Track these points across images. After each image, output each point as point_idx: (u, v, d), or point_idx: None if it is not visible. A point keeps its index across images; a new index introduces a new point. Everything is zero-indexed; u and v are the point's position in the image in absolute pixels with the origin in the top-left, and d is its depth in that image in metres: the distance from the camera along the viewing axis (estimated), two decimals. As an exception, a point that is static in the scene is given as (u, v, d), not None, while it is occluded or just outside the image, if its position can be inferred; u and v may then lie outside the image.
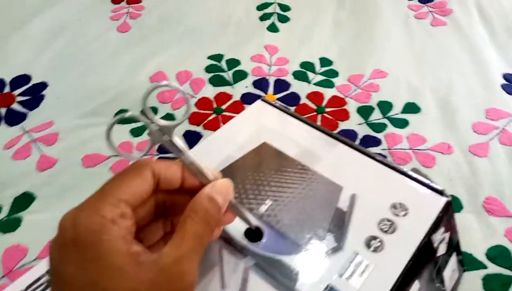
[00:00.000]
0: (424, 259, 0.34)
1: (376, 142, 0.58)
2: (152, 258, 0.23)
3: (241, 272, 0.32)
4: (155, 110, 0.64)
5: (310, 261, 0.32)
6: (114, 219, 0.23)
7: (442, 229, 0.37)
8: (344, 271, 0.32)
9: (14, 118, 0.64)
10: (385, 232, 0.34)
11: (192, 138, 0.59)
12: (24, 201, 0.52)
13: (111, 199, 0.23)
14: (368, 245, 0.33)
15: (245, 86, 0.68)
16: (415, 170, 0.39)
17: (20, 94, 0.68)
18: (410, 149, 0.56)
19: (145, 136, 0.60)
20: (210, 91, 0.67)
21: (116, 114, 0.64)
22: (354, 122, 0.61)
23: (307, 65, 0.72)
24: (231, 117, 0.53)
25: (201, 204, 0.26)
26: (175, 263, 0.23)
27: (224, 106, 0.65)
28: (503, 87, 0.65)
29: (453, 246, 0.41)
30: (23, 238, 0.48)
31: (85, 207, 0.23)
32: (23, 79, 0.71)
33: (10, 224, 0.50)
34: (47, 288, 0.32)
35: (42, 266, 0.33)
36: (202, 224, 0.25)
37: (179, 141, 0.27)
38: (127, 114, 0.26)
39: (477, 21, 0.80)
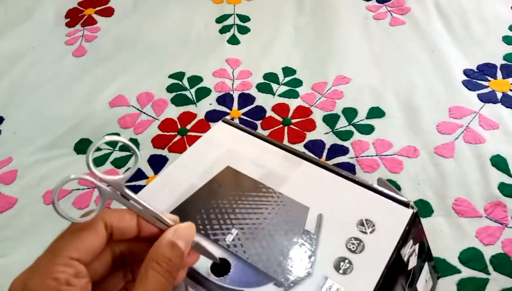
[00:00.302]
0: (394, 275, 0.34)
1: (344, 151, 0.57)
2: None
3: (209, 311, 0.30)
4: (116, 136, 0.62)
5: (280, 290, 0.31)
6: (68, 280, 0.22)
7: (410, 242, 0.36)
8: (314, 298, 0.31)
9: (-32, 158, 0.61)
10: (353, 251, 0.34)
11: (157, 163, 0.58)
12: (-18, 247, 0.49)
13: (62, 258, 0.22)
14: (337, 267, 0.33)
15: (209, 103, 0.67)
16: (380, 181, 0.39)
17: (-25, 131, 0.65)
18: (377, 155, 0.56)
19: (108, 165, 0.58)
20: (173, 112, 0.66)
21: (77, 144, 0.61)
22: (321, 132, 0.61)
23: (271, 76, 0.71)
24: (197, 137, 0.52)
25: (162, 253, 0.25)
26: None
27: (188, 126, 0.63)
28: (464, 83, 0.66)
29: (424, 253, 0.41)
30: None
31: (36, 270, 0.22)
32: (-23, 114, 0.68)
33: (-31, 274, 0.47)
34: None
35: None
36: (165, 274, 0.24)
37: (132, 193, 0.26)
38: (72, 176, 0.25)
39: (435, 18, 0.81)
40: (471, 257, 0.45)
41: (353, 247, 0.34)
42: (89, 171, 0.25)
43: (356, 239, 0.35)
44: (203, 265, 0.33)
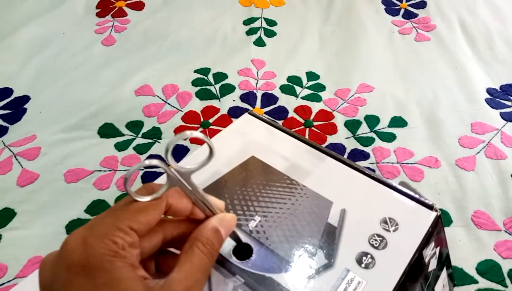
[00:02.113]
0: (415, 274, 0.34)
1: (364, 156, 0.58)
2: (160, 284, 0.23)
3: (230, 291, 0.31)
4: (141, 124, 0.63)
5: (301, 278, 0.31)
6: (124, 247, 0.23)
7: (432, 244, 0.36)
8: (336, 289, 0.31)
9: (-6, 132, 0.62)
10: (376, 247, 0.34)
11: (178, 152, 0.58)
12: (3, 217, 0.50)
13: (123, 226, 0.23)
14: (359, 261, 0.33)
15: (232, 100, 0.68)
16: (403, 184, 0.39)
17: (1, 108, 0.66)
18: (398, 163, 0.56)
19: (130, 151, 0.59)
20: (197, 105, 0.67)
21: (101, 128, 0.62)
22: (342, 136, 0.61)
23: (294, 79, 0.72)
24: (218, 131, 0.53)
25: (207, 235, 0.27)
26: None
27: (211, 120, 0.64)
28: (487, 101, 0.66)
29: (443, 260, 0.40)
30: (2, 256, 0.46)
31: (96, 228, 0.23)
32: (5, 92, 0.69)
33: (-12, 242, 0.48)
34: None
35: (23, 287, 0.31)
36: (208, 255, 0.26)
37: (195, 183, 0.28)
38: (147, 162, 0.26)
39: (460, 37, 0.82)
40: (488, 268, 0.44)
41: (376, 243, 0.34)
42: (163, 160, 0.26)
43: (379, 235, 0.35)
44: (225, 247, 0.33)
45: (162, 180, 0.33)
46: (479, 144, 0.59)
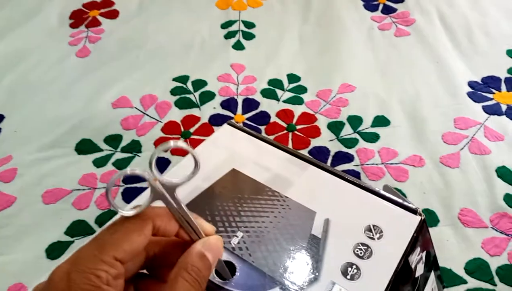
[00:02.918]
0: (402, 281, 0.33)
1: (349, 158, 0.57)
2: None
3: (213, 315, 0.30)
4: (119, 138, 0.62)
5: (286, 296, 0.31)
6: (108, 280, 0.22)
7: (418, 249, 0.36)
8: (322, 304, 0.30)
9: (-33, 155, 0.60)
10: (361, 257, 0.33)
11: (160, 165, 0.57)
12: (-21, 245, 0.48)
13: (108, 257, 0.22)
14: (344, 273, 0.32)
15: (213, 107, 0.66)
16: (387, 188, 0.39)
17: (-26, 128, 0.64)
18: (382, 164, 0.56)
19: (109, 166, 0.57)
20: (176, 115, 0.65)
21: (78, 144, 0.61)
22: (325, 139, 0.60)
23: (275, 83, 0.71)
24: (200, 140, 0.52)
25: (192, 262, 0.26)
26: None
27: (192, 129, 0.63)
28: (469, 95, 0.66)
29: (431, 262, 0.40)
30: (-21, 287, 0.44)
31: (79, 262, 0.22)
32: (-23, 112, 0.67)
33: (-36, 273, 0.46)
34: None
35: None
36: (194, 283, 0.25)
37: (179, 198, 0.26)
38: (129, 171, 0.24)
39: (440, 30, 0.81)
40: (477, 267, 0.44)
41: (361, 253, 0.33)
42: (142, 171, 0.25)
43: (363, 244, 0.34)
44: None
45: (144, 197, 0.32)
46: (462, 140, 0.58)
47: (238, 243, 0.34)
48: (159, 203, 0.26)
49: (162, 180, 0.26)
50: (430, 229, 0.42)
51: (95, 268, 0.22)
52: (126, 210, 0.25)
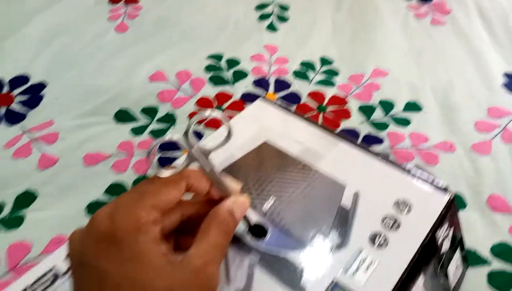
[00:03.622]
0: (428, 255, 0.34)
1: (379, 141, 0.57)
2: (179, 259, 0.24)
3: (246, 268, 0.31)
4: (155, 109, 0.64)
5: (315, 257, 0.32)
6: (147, 223, 0.24)
7: (445, 225, 0.36)
8: (349, 267, 0.31)
9: (13, 118, 0.63)
10: (389, 228, 0.34)
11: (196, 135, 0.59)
12: (26, 199, 0.51)
13: (147, 204, 0.24)
14: (372, 241, 0.33)
15: (245, 85, 0.68)
16: (418, 167, 0.39)
17: (19, 94, 0.68)
18: (412, 147, 0.56)
19: (145, 135, 0.60)
20: (210, 91, 0.67)
21: (117, 113, 0.63)
22: (356, 122, 0.61)
23: (308, 65, 0.72)
24: (232, 116, 0.53)
25: (223, 216, 0.28)
26: (205, 266, 0.24)
27: (224, 106, 0.64)
28: (504, 85, 0.66)
29: (457, 242, 0.41)
30: (26, 235, 0.47)
31: (121, 206, 0.24)
32: (21, 79, 0.70)
33: (13, 221, 0.49)
34: (53, 283, 0.32)
35: (48, 263, 0.33)
36: (224, 236, 0.27)
37: (213, 162, 0.29)
38: (167, 138, 0.27)
39: (477, 20, 0.80)
40: (502, 251, 0.44)
41: (389, 225, 0.34)
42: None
43: (391, 217, 0.35)
44: (241, 226, 0.34)
45: (179, 162, 0.34)
46: (495, 129, 0.58)
47: (270, 208, 0.36)
48: (194, 166, 0.28)
49: (198, 145, 0.28)
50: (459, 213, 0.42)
51: (135, 211, 0.24)
52: (166, 172, 0.27)
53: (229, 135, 0.29)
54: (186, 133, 0.27)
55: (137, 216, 0.23)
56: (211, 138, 0.45)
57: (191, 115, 0.62)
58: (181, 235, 0.30)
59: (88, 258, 0.23)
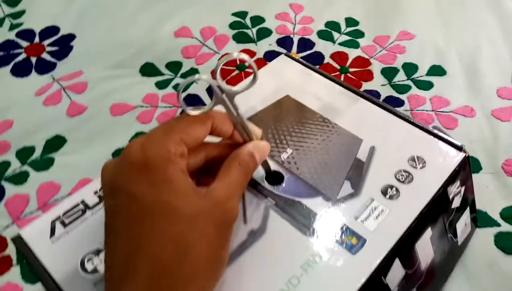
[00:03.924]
0: (438, 208, 0.35)
1: (399, 103, 0.58)
2: (204, 191, 0.26)
3: (262, 211, 0.33)
4: (179, 64, 0.65)
5: (327, 204, 0.34)
6: (176, 155, 0.25)
7: (458, 183, 0.37)
8: (359, 214, 0.33)
9: (44, 67, 0.66)
10: (402, 182, 0.35)
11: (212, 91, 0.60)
12: (55, 143, 0.55)
13: (176, 137, 0.26)
14: (384, 192, 0.35)
15: (268, 44, 0.68)
16: (436, 128, 0.40)
17: (49, 45, 0.70)
18: (432, 111, 0.56)
19: (169, 89, 0.61)
20: (233, 48, 0.68)
21: (142, 67, 0.65)
22: (377, 83, 0.61)
23: (332, 25, 0.71)
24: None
25: (244, 157, 0.29)
26: (227, 199, 0.26)
27: (247, 63, 0.65)
28: (532, 53, 0.64)
29: (468, 203, 0.42)
30: (55, 177, 0.51)
31: (152, 138, 0.26)
32: (52, 30, 0.72)
33: (43, 163, 0.52)
34: (82, 214, 0.34)
35: (77, 196, 0.35)
36: (244, 175, 0.29)
37: (237, 105, 0.30)
38: (196, 76, 0.28)
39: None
40: (512, 214, 0.45)
41: (402, 178, 0.36)
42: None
43: (405, 171, 0.36)
44: (259, 173, 0.36)
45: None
46: (518, 96, 0.58)
47: (287, 157, 0.38)
48: (219, 108, 0.29)
49: (224, 87, 0.29)
50: (472, 175, 0.43)
51: (166, 143, 0.25)
52: (193, 111, 0.28)
53: (254, 79, 0.30)
54: (215, 74, 0.28)
55: (167, 147, 0.25)
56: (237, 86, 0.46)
57: (214, 71, 0.63)
58: (203, 174, 0.32)
59: (121, 183, 0.25)
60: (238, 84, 0.45)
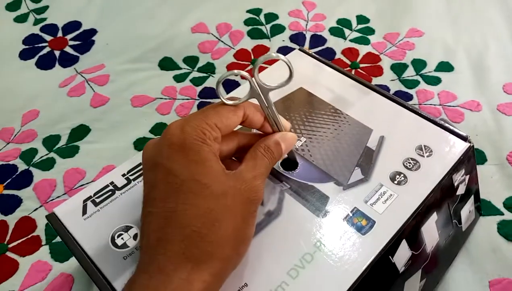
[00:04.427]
0: (444, 194, 0.38)
1: (407, 97, 0.60)
2: (232, 171, 0.29)
3: (278, 194, 0.36)
4: (196, 59, 0.68)
5: (339, 188, 0.36)
6: (210, 138, 0.28)
7: (462, 171, 0.40)
8: (369, 198, 0.35)
9: (67, 61, 0.69)
10: (410, 169, 0.38)
11: (230, 86, 0.63)
12: (80, 132, 0.58)
13: (211, 122, 0.28)
14: (392, 179, 0.37)
15: (282, 40, 0.71)
16: (442, 120, 0.42)
17: (72, 39, 0.73)
18: (440, 105, 0.58)
19: (187, 82, 0.64)
20: (248, 44, 0.70)
21: (161, 61, 0.68)
22: (387, 78, 0.63)
23: (344, 22, 0.73)
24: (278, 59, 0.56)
25: (269, 144, 0.32)
26: (254, 179, 0.29)
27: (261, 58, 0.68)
28: (539, 51, 0.66)
29: (472, 192, 0.44)
30: (80, 163, 0.54)
31: (190, 121, 0.28)
32: (74, 25, 0.76)
33: (69, 151, 0.55)
34: (112, 194, 0.37)
35: (107, 178, 0.38)
36: (269, 159, 0.31)
37: (271, 99, 0.33)
38: (235, 71, 0.30)
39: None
40: (516, 203, 0.47)
41: (410, 165, 0.38)
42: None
43: (413, 159, 0.38)
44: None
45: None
46: (523, 91, 0.60)
47: (301, 145, 0.40)
48: (254, 101, 0.32)
49: (261, 83, 0.31)
50: (477, 167, 0.45)
51: (202, 126, 0.28)
52: (229, 101, 0.31)
53: (290, 77, 0.32)
54: (253, 71, 0.31)
55: (202, 130, 0.28)
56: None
57: (229, 66, 0.66)
58: (232, 161, 0.35)
59: (160, 159, 0.27)
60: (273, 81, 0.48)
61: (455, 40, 0.68)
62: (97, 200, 0.37)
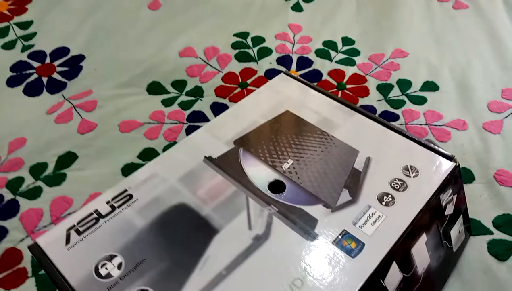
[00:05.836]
0: (432, 214, 0.38)
1: (394, 117, 0.60)
2: None
3: (266, 217, 0.36)
4: (184, 83, 0.68)
5: (327, 210, 0.36)
6: None
7: (450, 191, 0.40)
8: (357, 220, 0.35)
9: (55, 87, 0.69)
10: (397, 190, 0.38)
11: (218, 110, 0.63)
12: (67, 159, 0.57)
13: None
14: (380, 200, 0.37)
15: (269, 62, 0.71)
16: (428, 140, 0.42)
17: (60, 65, 0.73)
18: (426, 124, 0.59)
19: (175, 106, 0.64)
20: (236, 67, 0.71)
21: (149, 85, 0.68)
22: (373, 99, 0.64)
23: (330, 44, 0.75)
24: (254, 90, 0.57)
25: None
26: None
27: (249, 81, 0.68)
28: (521, 69, 0.67)
29: (461, 212, 0.44)
30: (68, 191, 0.53)
31: None
32: (62, 51, 0.76)
33: (56, 179, 0.55)
34: (96, 223, 0.36)
35: (90, 207, 0.38)
36: None
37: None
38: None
39: (500, 6, 0.81)
40: (505, 222, 0.47)
41: (397, 186, 0.38)
42: None
43: (400, 180, 0.38)
44: (262, 182, 0.38)
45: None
46: (507, 109, 0.60)
47: (288, 168, 0.40)
48: None
49: None
50: (465, 186, 0.45)
51: None
52: None
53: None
54: None
55: None
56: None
57: (217, 90, 0.66)
58: None
59: None
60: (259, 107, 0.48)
61: (439, 60, 0.70)
62: (81, 229, 0.36)
